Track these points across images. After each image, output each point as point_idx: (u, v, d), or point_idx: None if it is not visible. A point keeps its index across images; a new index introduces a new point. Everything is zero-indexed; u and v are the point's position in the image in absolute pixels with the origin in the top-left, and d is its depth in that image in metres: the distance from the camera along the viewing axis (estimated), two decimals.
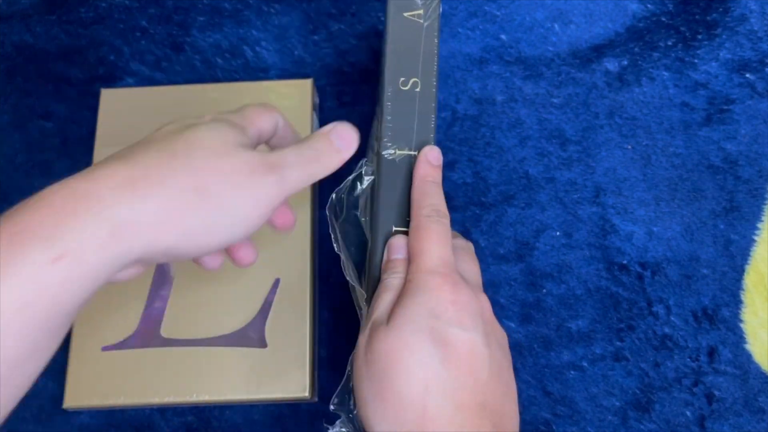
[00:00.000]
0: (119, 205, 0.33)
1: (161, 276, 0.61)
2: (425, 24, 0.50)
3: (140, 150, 0.36)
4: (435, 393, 0.36)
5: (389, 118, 0.48)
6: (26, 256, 0.30)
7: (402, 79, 0.48)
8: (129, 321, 0.60)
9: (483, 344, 0.38)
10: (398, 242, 0.44)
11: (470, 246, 0.46)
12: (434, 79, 0.48)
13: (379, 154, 0.46)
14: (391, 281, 0.42)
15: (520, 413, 0.41)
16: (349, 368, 0.45)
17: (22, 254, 0.30)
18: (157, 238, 0.34)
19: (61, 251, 0.31)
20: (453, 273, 0.40)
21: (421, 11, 0.50)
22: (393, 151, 0.47)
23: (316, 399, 0.61)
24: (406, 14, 0.50)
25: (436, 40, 0.50)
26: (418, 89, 0.48)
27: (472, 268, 0.43)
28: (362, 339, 0.40)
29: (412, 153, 0.47)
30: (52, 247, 0.31)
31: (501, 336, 0.41)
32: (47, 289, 0.30)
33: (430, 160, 0.44)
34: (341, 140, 0.43)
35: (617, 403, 0.60)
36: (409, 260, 0.42)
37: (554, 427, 0.59)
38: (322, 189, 0.67)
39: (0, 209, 0.67)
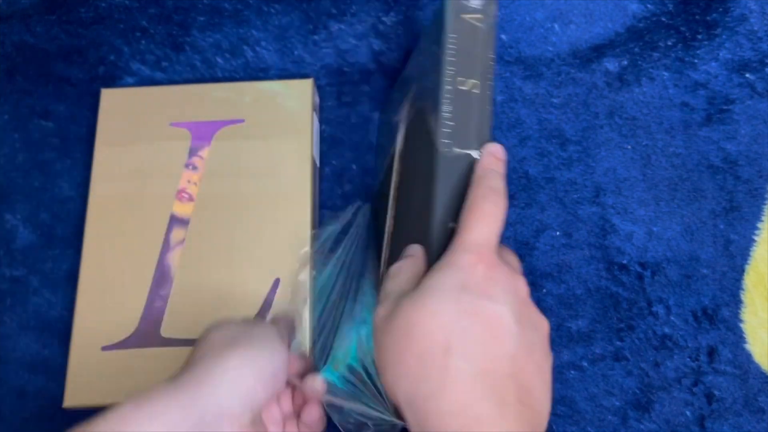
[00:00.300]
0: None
1: (162, 275, 0.61)
2: (483, 27, 0.50)
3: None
4: (457, 355, 0.35)
5: (448, 116, 0.47)
6: None
7: (460, 79, 0.48)
8: (129, 321, 0.60)
9: (513, 320, 0.37)
10: (412, 246, 0.45)
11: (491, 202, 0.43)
12: (491, 82, 0.49)
13: (437, 152, 0.46)
14: (403, 265, 0.43)
15: None
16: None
17: None
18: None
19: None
20: (491, 253, 0.39)
21: (479, 15, 0.50)
22: (451, 150, 0.47)
23: None
24: (464, 16, 0.50)
25: (493, 44, 0.50)
26: (477, 91, 0.48)
27: (513, 258, 0.43)
28: (381, 311, 0.40)
29: (470, 152, 0.47)
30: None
31: (538, 320, 0.39)
32: None
33: (494, 152, 0.44)
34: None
35: (617, 403, 0.60)
36: (459, 227, 0.41)
37: (554, 427, 0.59)
38: (323, 190, 0.67)
39: (0, 209, 0.67)
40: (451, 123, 0.46)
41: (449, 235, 0.43)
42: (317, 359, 0.52)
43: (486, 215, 0.40)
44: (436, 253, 0.43)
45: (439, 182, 0.45)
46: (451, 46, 0.48)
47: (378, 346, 0.39)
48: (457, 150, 0.46)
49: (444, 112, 0.46)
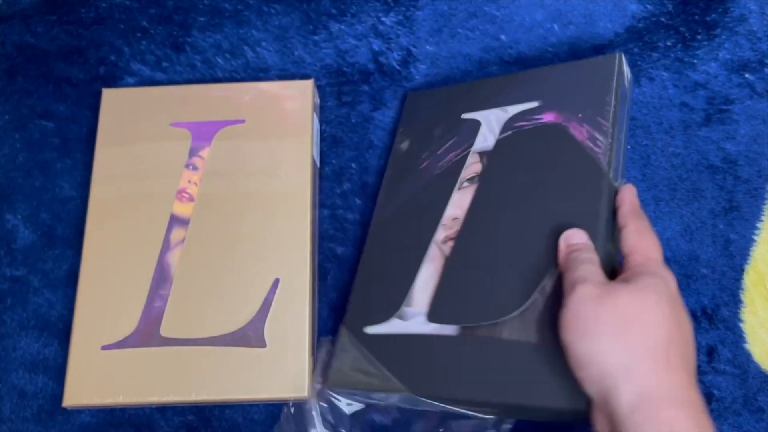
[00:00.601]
0: None
1: (161, 275, 0.61)
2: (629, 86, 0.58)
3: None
4: (675, 347, 0.41)
5: (608, 149, 0.53)
6: None
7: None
8: (129, 320, 0.60)
9: (692, 330, 0.44)
10: (575, 233, 0.50)
11: (648, 225, 0.51)
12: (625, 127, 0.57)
13: (606, 181, 0.51)
14: (585, 256, 0.48)
15: None
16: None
17: None
18: None
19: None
20: (666, 266, 0.47)
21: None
22: (617, 180, 0.53)
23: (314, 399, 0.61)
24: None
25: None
26: (621, 132, 0.54)
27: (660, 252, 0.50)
28: (587, 290, 0.44)
29: (615, 184, 0.52)
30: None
31: None
32: None
33: (633, 188, 0.52)
34: None
35: None
36: (629, 251, 0.48)
37: (555, 427, 0.59)
38: (322, 189, 0.67)
39: (0, 209, 0.67)
40: (612, 156, 0.52)
41: (610, 258, 0.49)
42: None
43: (652, 234, 0.49)
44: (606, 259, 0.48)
45: (603, 209, 0.50)
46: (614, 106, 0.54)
47: (593, 319, 0.43)
48: (618, 182, 0.53)
49: (619, 149, 0.53)
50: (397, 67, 0.70)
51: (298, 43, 0.71)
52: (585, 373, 0.42)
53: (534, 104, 0.59)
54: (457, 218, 0.58)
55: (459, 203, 0.58)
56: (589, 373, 0.42)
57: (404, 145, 0.66)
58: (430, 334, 0.54)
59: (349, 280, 0.64)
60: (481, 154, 0.60)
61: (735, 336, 0.61)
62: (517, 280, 0.51)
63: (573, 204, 0.52)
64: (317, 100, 0.68)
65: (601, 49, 0.69)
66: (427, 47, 0.71)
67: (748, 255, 0.63)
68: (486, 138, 0.60)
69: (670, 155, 0.65)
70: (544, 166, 0.55)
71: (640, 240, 0.48)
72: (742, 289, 0.62)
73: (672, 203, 0.64)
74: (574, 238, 0.50)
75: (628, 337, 0.41)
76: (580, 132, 0.55)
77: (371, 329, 0.57)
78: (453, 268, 0.56)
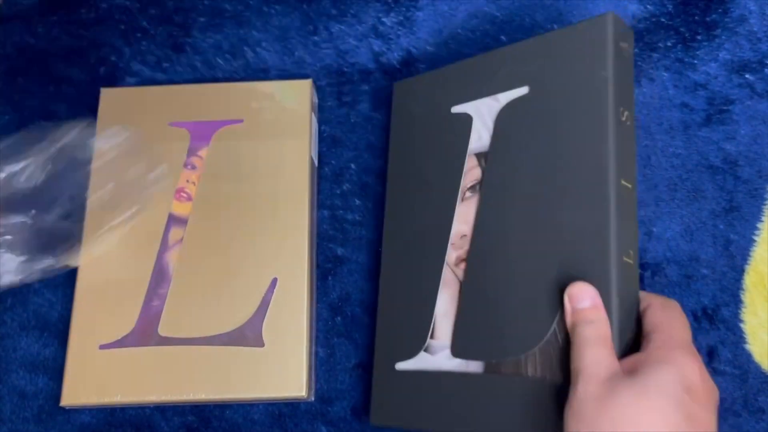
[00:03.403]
0: None
1: (160, 274, 0.61)
2: (628, 57, 0.50)
3: None
4: None
5: (613, 149, 0.47)
6: None
7: (621, 109, 0.48)
8: (127, 319, 0.60)
9: (714, 425, 0.42)
10: (580, 290, 0.46)
11: (677, 304, 0.48)
12: (633, 111, 0.49)
13: (610, 185, 0.46)
14: (592, 332, 0.44)
15: None
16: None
17: None
18: None
19: None
20: (694, 351, 0.44)
21: (627, 44, 0.50)
22: (619, 183, 0.47)
23: (312, 398, 0.61)
24: (621, 44, 0.50)
25: (632, 71, 0.50)
26: (629, 122, 0.49)
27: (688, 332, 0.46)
28: (590, 389, 0.42)
29: (628, 184, 0.47)
30: None
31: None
32: None
33: None
34: None
35: None
36: (650, 330, 0.45)
37: None
38: (322, 190, 0.67)
39: None
40: (616, 155, 0.47)
41: (627, 271, 0.46)
42: None
43: (679, 313, 0.46)
44: (617, 292, 0.45)
45: (614, 214, 0.46)
46: (613, 77, 0.47)
47: (587, 422, 0.41)
48: (624, 183, 0.47)
49: (610, 145, 0.47)
50: (398, 67, 0.70)
51: (298, 43, 0.72)
52: None
53: (523, 91, 0.54)
54: (465, 236, 0.55)
55: (464, 218, 0.55)
56: None
57: (399, 147, 0.64)
58: (456, 372, 0.53)
59: (349, 281, 0.64)
60: (478, 155, 0.56)
61: (735, 336, 0.61)
62: (534, 308, 0.49)
63: (580, 214, 0.48)
64: (316, 100, 0.68)
65: None
66: (427, 48, 0.71)
67: (749, 255, 0.63)
68: (480, 136, 0.56)
69: (670, 156, 0.65)
70: (544, 170, 0.51)
71: (666, 317, 0.46)
72: (743, 290, 0.62)
73: (672, 203, 0.64)
74: (581, 300, 0.46)
75: None
76: (575, 125, 0.50)
77: (402, 365, 0.56)
78: (468, 295, 0.54)
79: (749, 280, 0.62)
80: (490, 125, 0.56)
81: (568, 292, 0.46)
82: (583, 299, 0.45)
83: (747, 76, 0.67)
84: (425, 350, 0.55)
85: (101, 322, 0.60)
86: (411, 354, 0.56)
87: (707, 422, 0.41)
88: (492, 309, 0.52)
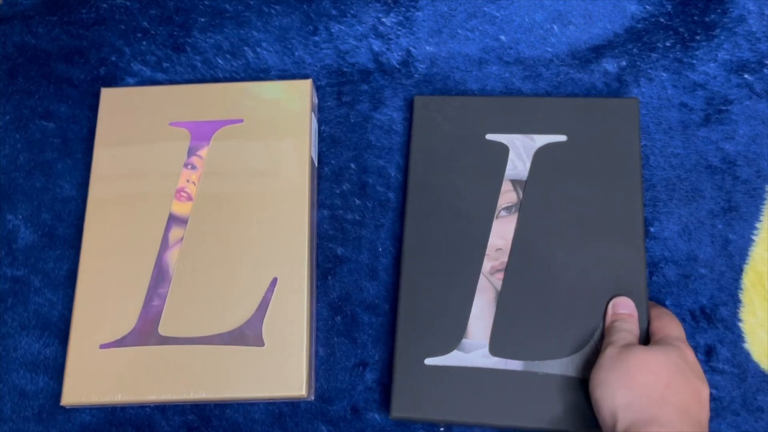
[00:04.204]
0: None
1: (160, 274, 0.61)
2: None
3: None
4: (672, 392, 0.50)
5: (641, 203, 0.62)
6: None
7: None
8: (127, 319, 0.60)
9: (706, 393, 0.52)
10: (624, 301, 0.58)
11: (669, 311, 0.59)
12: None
13: (641, 231, 0.61)
14: (625, 327, 0.56)
15: None
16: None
17: None
18: None
19: None
20: (688, 344, 0.55)
21: None
22: None
23: (312, 398, 0.61)
24: None
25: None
26: None
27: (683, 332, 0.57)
28: (612, 351, 0.54)
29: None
30: None
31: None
32: None
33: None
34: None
35: None
36: (653, 333, 0.57)
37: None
38: (322, 190, 0.67)
39: (1, 209, 0.67)
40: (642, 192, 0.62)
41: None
42: None
43: (675, 321, 0.57)
44: (645, 308, 0.58)
45: (642, 251, 0.60)
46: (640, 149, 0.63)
47: (609, 371, 0.52)
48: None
49: (641, 200, 0.61)
50: (397, 67, 0.70)
51: (298, 43, 0.72)
52: (600, 413, 0.51)
53: (561, 138, 0.64)
54: (500, 249, 0.62)
55: (501, 233, 0.62)
56: (602, 413, 0.51)
57: (422, 158, 0.65)
58: (494, 368, 0.58)
59: (349, 281, 0.64)
60: (514, 182, 0.63)
61: (734, 335, 0.61)
62: (576, 317, 0.59)
63: (618, 248, 0.60)
64: (316, 100, 0.69)
65: (600, 49, 0.69)
66: (427, 48, 0.71)
67: (747, 255, 0.63)
68: (516, 165, 0.64)
69: (669, 155, 0.65)
70: (581, 205, 0.62)
71: (662, 323, 0.57)
72: (741, 289, 0.62)
73: (671, 203, 0.64)
74: (621, 307, 0.58)
75: (632, 383, 0.50)
76: (610, 177, 0.62)
77: (432, 361, 0.59)
78: (506, 301, 0.60)
79: (748, 279, 0.62)
80: (525, 158, 0.64)
81: (613, 302, 0.58)
82: (625, 308, 0.58)
83: (746, 76, 0.67)
84: (459, 348, 0.59)
85: (101, 322, 0.60)
86: (443, 351, 0.59)
87: (699, 387, 0.51)
88: (532, 315, 0.60)
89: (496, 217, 0.63)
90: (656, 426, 0.48)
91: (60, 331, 0.64)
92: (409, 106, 0.68)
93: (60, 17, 0.74)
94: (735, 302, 0.62)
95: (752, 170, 0.64)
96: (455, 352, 0.59)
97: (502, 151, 0.65)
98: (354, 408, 0.61)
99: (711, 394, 0.59)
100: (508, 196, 0.63)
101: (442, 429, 0.60)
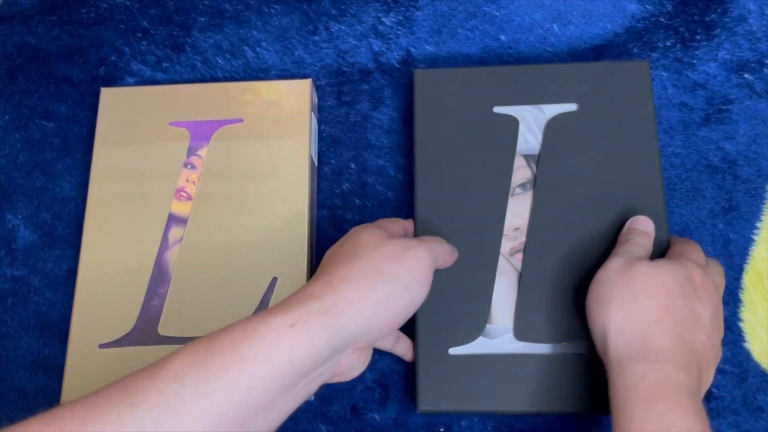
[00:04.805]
0: (326, 295, 0.45)
1: (159, 274, 0.61)
2: None
3: (328, 265, 0.49)
4: (669, 315, 0.48)
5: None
6: (270, 322, 0.43)
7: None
8: (127, 318, 0.60)
9: (709, 321, 0.50)
10: (644, 219, 0.57)
11: (695, 243, 0.57)
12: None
13: (660, 181, 0.60)
14: (639, 240, 0.55)
15: None
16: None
17: (267, 321, 0.43)
18: (358, 311, 0.46)
19: (294, 320, 0.43)
20: (704, 270, 0.52)
21: None
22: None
23: (312, 397, 0.61)
24: None
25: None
26: None
27: (719, 278, 0.55)
28: (618, 263, 0.52)
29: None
30: (289, 317, 0.43)
31: (722, 328, 0.53)
32: (284, 348, 0.42)
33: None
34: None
35: None
36: (674, 250, 0.55)
37: (556, 426, 0.59)
38: (321, 189, 0.67)
39: (1, 209, 0.67)
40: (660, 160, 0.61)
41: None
42: None
43: (697, 246, 0.55)
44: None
45: (665, 224, 0.58)
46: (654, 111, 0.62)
47: (609, 286, 0.51)
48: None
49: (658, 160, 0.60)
50: (398, 66, 0.70)
51: (298, 43, 0.72)
52: (592, 328, 0.51)
53: (572, 107, 0.62)
54: (518, 228, 0.60)
55: (517, 212, 0.60)
56: (594, 330, 0.51)
57: (428, 134, 0.63)
58: (521, 354, 0.57)
59: None
60: (527, 157, 0.62)
61: (734, 335, 0.61)
62: None
63: (636, 206, 0.58)
64: (315, 100, 0.69)
65: (600, 49, 0.69)
66: (427, 47, 0.71)
67: (747, 255, 0.63)
68: (527, 140, 0.62)
69: (670, 155, 0.65)
70: (597, 175, 0.60)
71: (681, 246, 0.55)
72: (741, 289, 0.62)
73: (671, 203, 0.64)
74: (640, 223, 0.57)
75: (629, 306, 0.49)
76: (625, 143, 0.60)
77: (456, 350, 0.57)
78: (528, 283, 0.59)
79: (748, 279, 0.62)
80: (536, 131, 0.62)
81: (632, 218, 0.57)
82: (644, 225, 0.57)
83: (746, 75, 0.67)
84: (483, 335, 0.58)
85: (101, 322, 0.60)
86: (467, 339, 0.58)
87: (700, 310, 0.50)
88: (556, 294, 0.58)
89: (511, 195, 0.61)
90: (644, 362, 0.47)
91: (60, 332, 0.64)
92: (409, 107, 0.68)
93: (60, 17, 0.74)
94: (735, 302, 0.62)
95: (753, 170, 0.64)
96: (480, 339, 0.57)
97: (512, 124, 0.62)
98: (354, 408, 0.61)
99: (712, 393, 0.59)
100: (521, 172, 0.61)
101: (442, 429, 0.60)
